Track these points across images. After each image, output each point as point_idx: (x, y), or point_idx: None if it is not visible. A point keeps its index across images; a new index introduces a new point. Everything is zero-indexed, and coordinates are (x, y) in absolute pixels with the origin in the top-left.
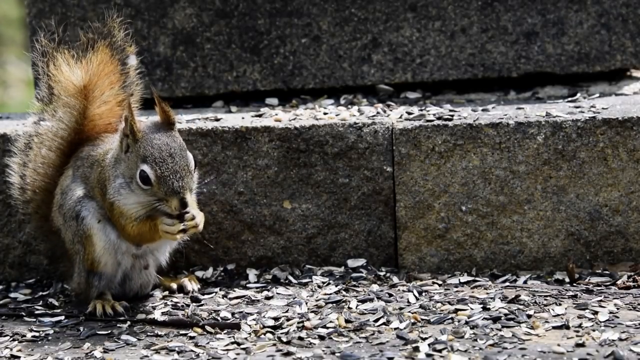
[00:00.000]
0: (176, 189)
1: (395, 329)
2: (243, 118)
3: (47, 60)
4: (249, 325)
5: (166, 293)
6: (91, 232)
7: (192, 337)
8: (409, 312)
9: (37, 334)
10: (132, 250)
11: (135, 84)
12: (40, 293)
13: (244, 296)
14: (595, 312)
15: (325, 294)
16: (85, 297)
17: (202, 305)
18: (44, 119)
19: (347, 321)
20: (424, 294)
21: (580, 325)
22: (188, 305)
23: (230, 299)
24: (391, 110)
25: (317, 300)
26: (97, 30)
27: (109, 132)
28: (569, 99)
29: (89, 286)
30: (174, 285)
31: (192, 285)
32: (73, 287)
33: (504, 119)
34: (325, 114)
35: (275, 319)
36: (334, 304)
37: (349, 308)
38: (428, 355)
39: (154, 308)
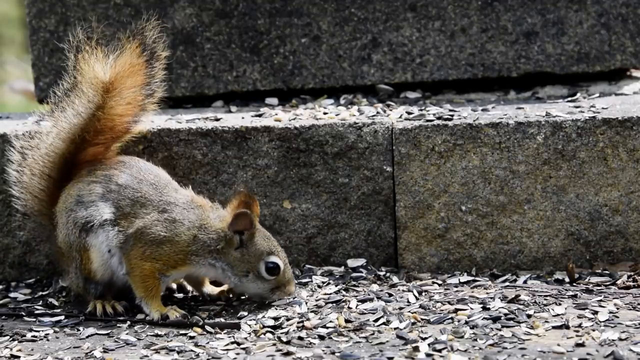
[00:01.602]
0: (292, 275)
1: (395, 328)
2: (243, 118)
3: (79, 54)
4: (249, 325)
5: (166, 293)
6: (89, 247)
7: (192, 337)
8: (409, 312)
9: (37, 334)
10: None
11: (157, 85)
12: (40, 293)
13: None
14: (595, 312)
15: (325, 294)
16: (83, 298)
17: (202, 305)
18: (44, 119)
19: (347, 321)
20: (423, 293)
21: (580, 325)
22: (188, 305)
23: (230, 298)
24: (391, 110)
25: (317, 300)
26: (130, 28)
27: (127, 133)
28: (569, 98)
29: (86, 291)
30: (174, 285)
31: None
32: (71, 287)
33: (504, 118)
34: (325, 113)
35: (275, 318)
36: (334, 304)
37: (349, 308)
38: (428, 355)
39: None
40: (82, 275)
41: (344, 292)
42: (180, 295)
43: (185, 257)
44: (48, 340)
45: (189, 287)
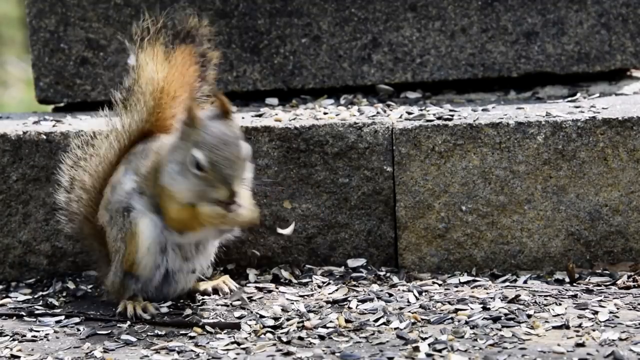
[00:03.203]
0: (226, 177)
1: (395, 328)
2: (243, 118)
3: (141, 51)
4: (249, 325)
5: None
6: (138, 229)
7: (192, 337)
8: (409, 312)
9: (37, 334)
10: (176, 239)
11: (206, 88)
12: (40, 293)
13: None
14: (595, 312)
15: (325, 294)
16: (118, 297)
17: (202, 305)
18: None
19: (347, 321)
20: (424, 293)
21: (580, 325)
22: (188, 305)
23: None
24: (391, 110)
25: (317, 300)
26: (185, 31)
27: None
28: (569, 98)
29: (123, 287)
30: (209, 288)
31: (229, 286)
32: (106, 285)
33: (504, 118)
34: (325, 113)
35: (275, 318)
36: (334, 304)
37: (349, 308)
38: (428, 355)
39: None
40: (122, 269)
41: (344, 292)
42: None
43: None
44: (48, 340)
45: (226, 289)
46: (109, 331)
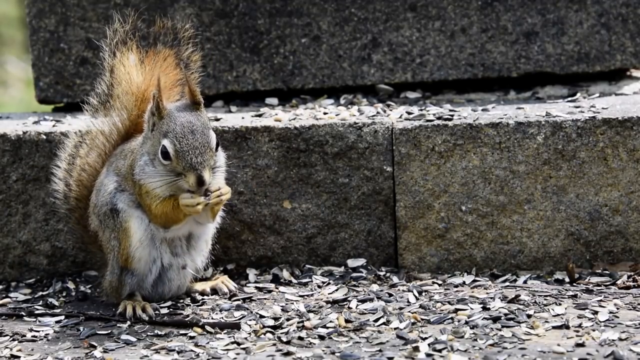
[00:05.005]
0: (194, 165)
1: (395, 328)
2: (243, 118)
3: (117, 55)
4: (249, 325)
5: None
6: (127, 225)
7: (192, 337)
8: (409, 312)
9: (37, 334)
10: (162, 234)
11: (187, 92)
12: (40, 293)
13: (244, 296)
14: (595, 312)
15: (325, 294)
16: (117, 296)
17: (202, 305)
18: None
19: (347, 321)
20: (424, 293)
21: (580, 325)
22: (188, 305)
23: (230, 298)
24: (391, 110)
25: (317, 300)
26: (167, 35)
27: None
28: (569, 98)
29: (120, 284)
30: (208, 289)
31: (227, 287)
32: (104, 287)
33: (504, 118)
34: (325, 113)
35: (275, 318)
36: (334, 304)
37: (349, 308)
38: (428, 355)
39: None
40: (118, 266)
41: (344, 292)
42: (183, 295)
43: None
44: (48, 340)
45: (225, 289)
46: (109, 331)
